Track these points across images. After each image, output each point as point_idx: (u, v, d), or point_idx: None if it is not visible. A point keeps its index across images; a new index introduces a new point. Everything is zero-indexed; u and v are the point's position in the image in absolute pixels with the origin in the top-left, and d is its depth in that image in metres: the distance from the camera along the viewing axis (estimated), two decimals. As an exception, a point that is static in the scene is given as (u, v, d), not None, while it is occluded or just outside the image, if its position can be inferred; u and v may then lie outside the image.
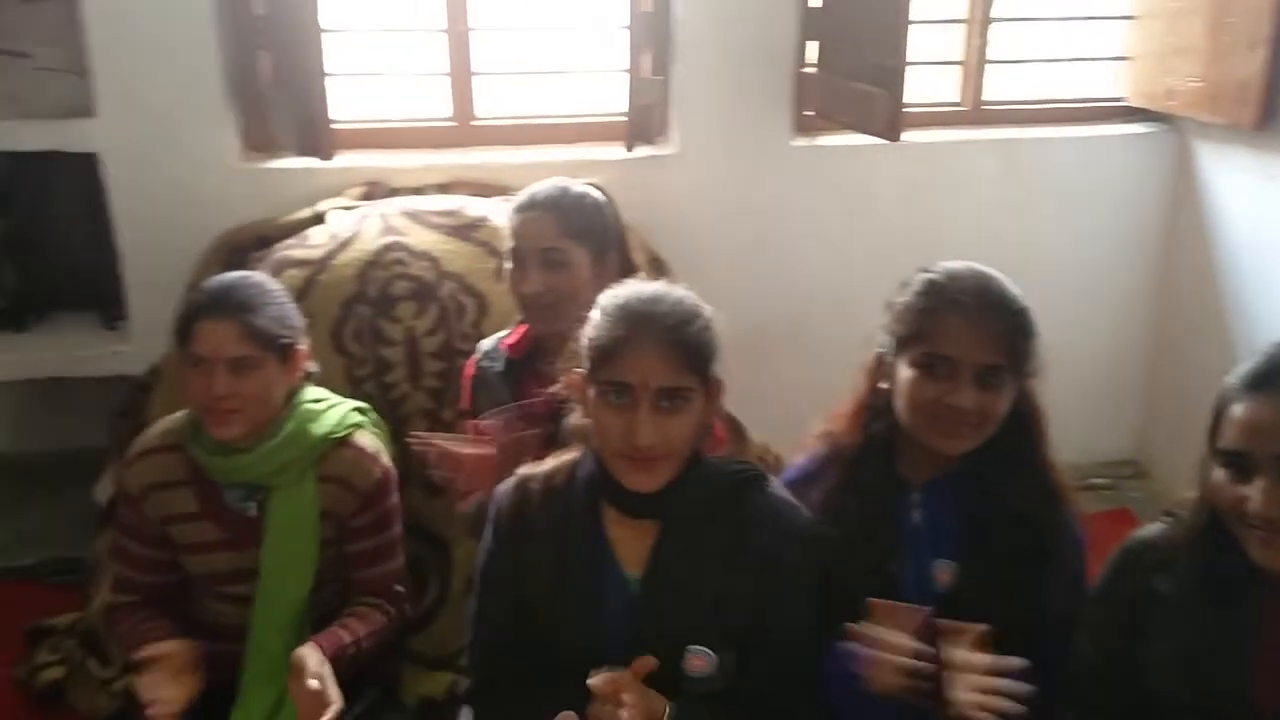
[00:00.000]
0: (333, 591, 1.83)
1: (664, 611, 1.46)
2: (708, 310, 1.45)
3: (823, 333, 2.93)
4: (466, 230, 2.49)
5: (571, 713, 1.40)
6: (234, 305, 1.70)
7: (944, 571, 1.53)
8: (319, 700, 1.59)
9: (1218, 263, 3.00)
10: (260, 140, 2.72)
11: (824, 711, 1.49)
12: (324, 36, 2.61)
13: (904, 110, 2.56)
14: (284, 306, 1.79)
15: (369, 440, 1.86)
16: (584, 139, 2.92)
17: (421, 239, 2.45)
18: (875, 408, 1.58)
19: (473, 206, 2.55)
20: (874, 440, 1.57)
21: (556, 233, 1.83)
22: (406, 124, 2.90)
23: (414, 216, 2.50)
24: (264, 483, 1.77)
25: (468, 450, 1.79)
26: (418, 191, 2.67)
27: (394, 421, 2.21)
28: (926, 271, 1.53)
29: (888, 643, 1.41)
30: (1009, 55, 3.23)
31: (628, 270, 1.91)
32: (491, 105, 2.91)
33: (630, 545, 1.48)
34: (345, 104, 2.79)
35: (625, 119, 2.84)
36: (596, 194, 1.92)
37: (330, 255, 2.41)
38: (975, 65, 3.10)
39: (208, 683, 1.67)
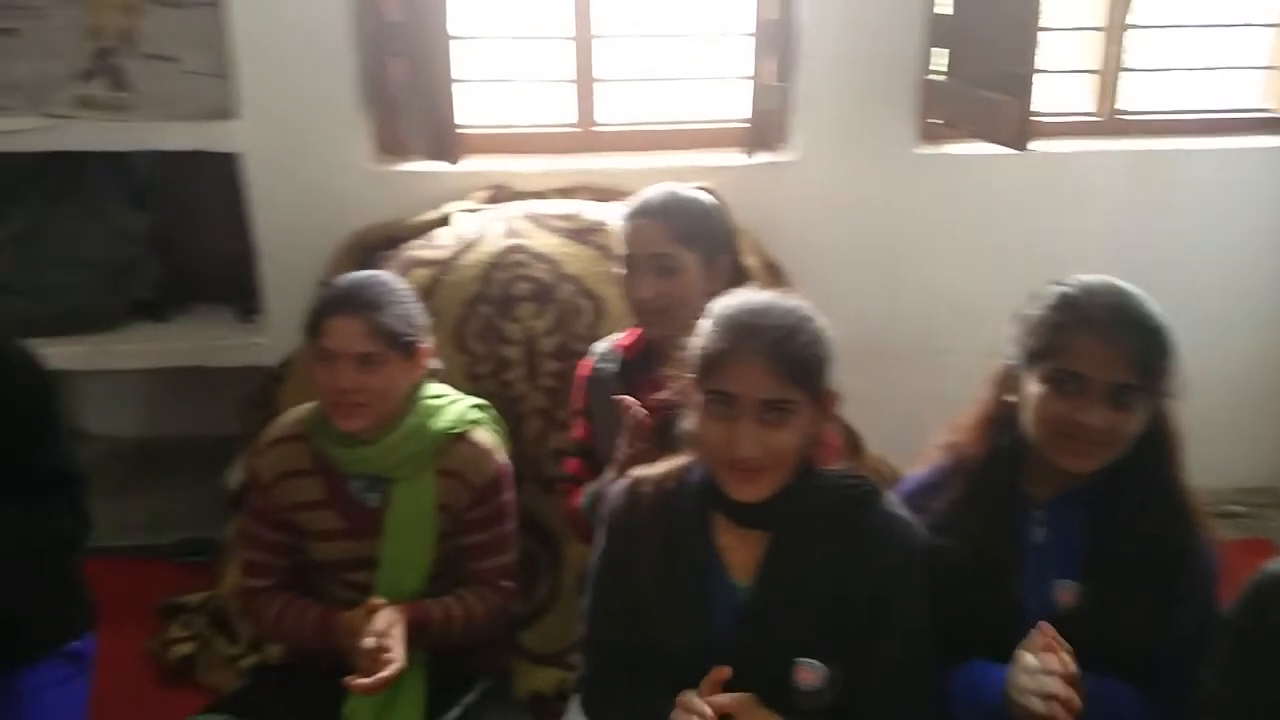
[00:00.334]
0: (448, 583, 1.86)
1: (774, 621, 1.45)
2: (820, 321, 1.44)
3: (942, 343, 2.88)
4: (585, 234, 2.52)
5: None
6: (362, 303, 1.76)
7: (1066, 592, 1.49)
8: (373, 657, 1.62)
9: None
10: (391, 144, 2.80)
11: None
12: (452, 44, 2.67)
13: (1034, 119, 2.50)
14: (409, 305, 1.84)
15: (486, 436, 1.90)
16: (702, 145, 2.92)
17: (543, 242, 2.49)
18: (1000, 421, 1.54)
19: (591, 210, 2.58)
20: (999, 454, 1.54)
21: (667, 238, 1.84)
22: (530, 129, 2.95)
23: (536, 220, 2.55)
24: (386, 475, 1.82)
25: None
26: (539, 196, 2.72)
27: (510, 419, 2.25)
28: (1061, 284, 1.49)
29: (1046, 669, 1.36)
30: (1146, 64, 3.11)
31: (739, 275, 1.90)
32: (612, 111, 2.94)
33: (739, 553, 1.48)
34: (472, 109, 2.85)
35: (744, 125, 2.84)
36: (707, 198, 1.92)
37: (455, 256, 2.47)
38: (1110, 74, 2.99)
39: (326, 666, 1.72)
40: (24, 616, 1.83)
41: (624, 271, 1.88)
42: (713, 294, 1.53)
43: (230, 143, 2.69)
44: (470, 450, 1.86)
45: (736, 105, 2.90)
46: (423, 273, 2.43)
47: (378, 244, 2.65)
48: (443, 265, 2.46)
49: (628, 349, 1.95)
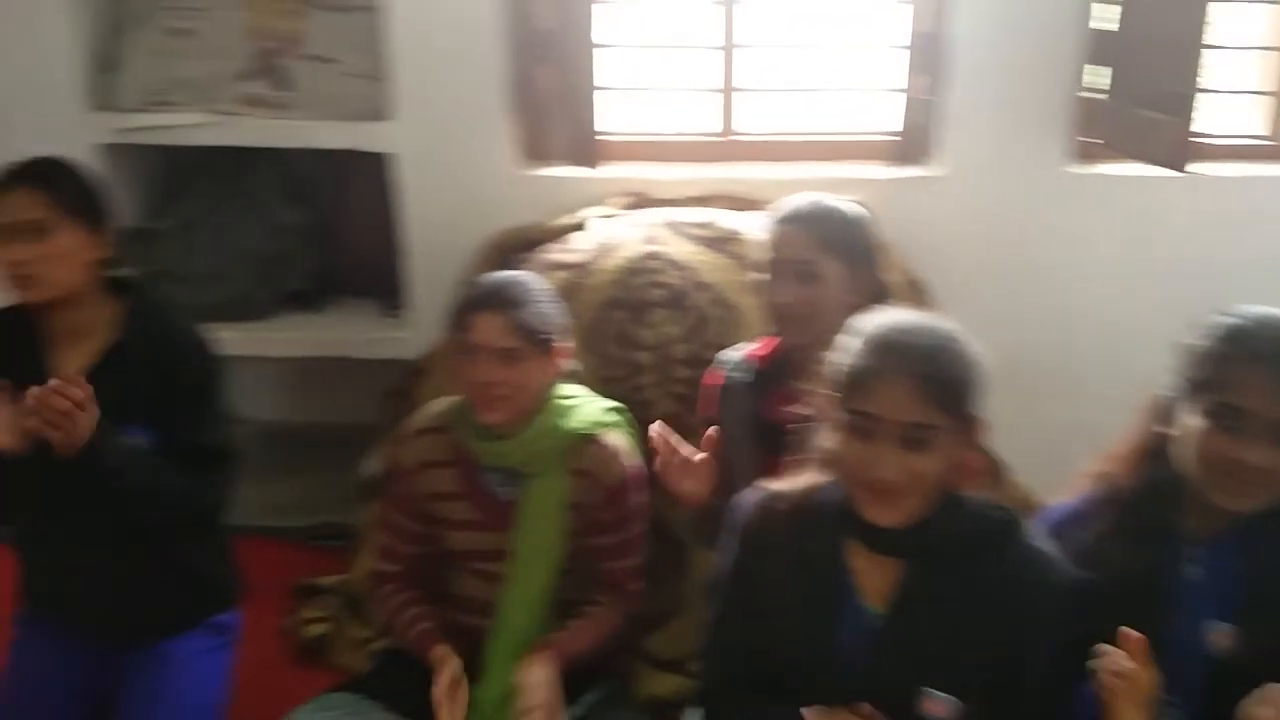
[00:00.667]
0: (576, 579, 1.90)
1: (906, 649, 1.42)
2: (972, 346, 1.39)
3: (1091, 369, 2.77)
4: (721, 243, 2.52)
5: None
6: (505, 301, 1.81)
7: (1222, 635, 1.42)
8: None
9: None
10: (534, 149, 2.85)
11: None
12: (596, 52, 2.71)
13: (1197, 141, 2.39)
14: (549, 305, 1.88)
15: (618, 439, 1.92)
16: (843, 157, 2.88)
17: (680, 249, 2.50)
18: (1155, 452, 1.48)
19: (726, 220, 2.58)
20: (1153, 486, 1.48)
21: (811, 245, 1.83)
22: (669, 138, 2.96)
23: (673, 227, 2.56)
24: (521, 469, 1.87)
25: (685, 450, 1.82)
26: (677, 204, 2.73)
27: (641, 424, 2.26)
28: (1228, 315, 1.42)
29: None
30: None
31: (881, 290, 1.88)
32: (755, 121, 2.93)
33: (872, 577, 1.45)
34: (614, 116, 2.88)
35: (887, 138, 2.79)
36: (855, 209, 1.90)
37: (592, 260, 2.50)
38: (1281, 95, 2.84)
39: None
40: (198, 578, 1.99)
41: (766, 276, 1.88)
42: (853, 306, 1.51)
43: (384, 143, 2.77)
44: (601, 451, 1.88)
45: (879, 118, 2.86)
46: (560, 276, 2.47)
47: (518, 246, 2.69)
48: (580, 269, 2.50)
49: (762, 359, 1.95)
